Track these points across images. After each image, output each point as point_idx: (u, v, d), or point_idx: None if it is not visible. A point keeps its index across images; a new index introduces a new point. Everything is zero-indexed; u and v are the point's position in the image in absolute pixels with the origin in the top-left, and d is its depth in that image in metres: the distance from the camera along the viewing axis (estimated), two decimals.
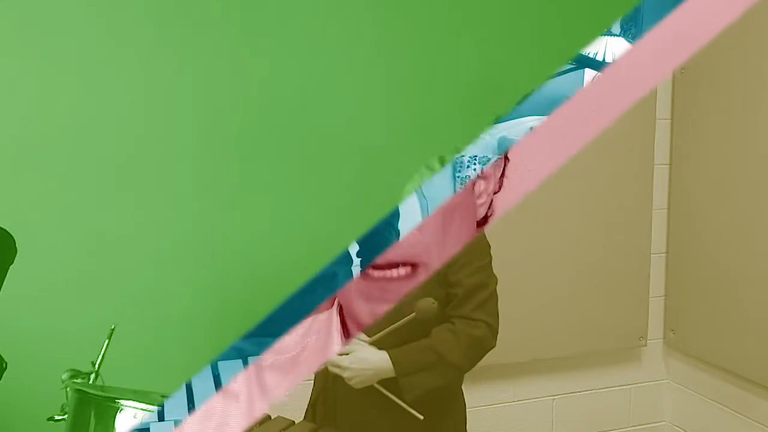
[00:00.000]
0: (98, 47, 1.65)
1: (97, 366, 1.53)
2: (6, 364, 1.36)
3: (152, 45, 1.67)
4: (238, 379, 1.26)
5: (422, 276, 1.18)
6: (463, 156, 3.92)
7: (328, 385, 1.85)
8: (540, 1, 1.77)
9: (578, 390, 3.00)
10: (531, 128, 3.84)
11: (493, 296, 1.77)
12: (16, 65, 1.62)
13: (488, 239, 1.81)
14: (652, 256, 3.04)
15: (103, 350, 1.55)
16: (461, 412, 1.92)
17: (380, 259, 1.21)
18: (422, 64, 1.81)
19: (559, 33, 1.76)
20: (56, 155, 1.67)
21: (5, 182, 1.64)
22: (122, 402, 1.51)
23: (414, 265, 1.20)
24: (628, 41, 4.13)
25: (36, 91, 1.64)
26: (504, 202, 1.24)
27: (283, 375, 1.22)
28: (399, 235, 2.02)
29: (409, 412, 1.70)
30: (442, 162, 1.40)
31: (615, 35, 4.42)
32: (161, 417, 1.57)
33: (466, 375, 1.97)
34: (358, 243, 2.01)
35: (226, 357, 1.83)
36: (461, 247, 1.17)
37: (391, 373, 1.70)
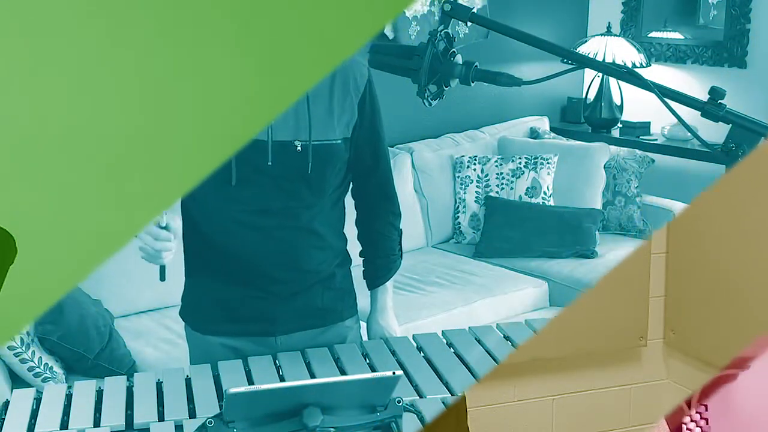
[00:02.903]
0: (95, 45, 1.65)
1: None
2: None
3: (150, 44, 1.67)
4: None
5: None
6: (463, 156, 3.93)
7: None
8: None
9: (578, 390, 3.00)
10: (531, 128, 3.88)
11: None
12: (15, 64, 1.62)
13: None
14: (652, 256, 3.04)
15: None
16: (462, 403, 1.96)
17: None
18: None
19: None
20: (57, 155, 1.67)
21: (5, 182, 1.64)
22: None
23: None
24: (628, 41, 4.17)
25: (35, 89, 1.64)
26: None
27: None
28: (401, 233, 2.04)
29: None
30: None
31: (614, 35, 4.44)
32: (161, 417, 1.58)
33: None
34: (360, 242, 2.02)
35: (226, 357, 1.84)
36: None
37: None
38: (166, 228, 1.66)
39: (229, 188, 1.76)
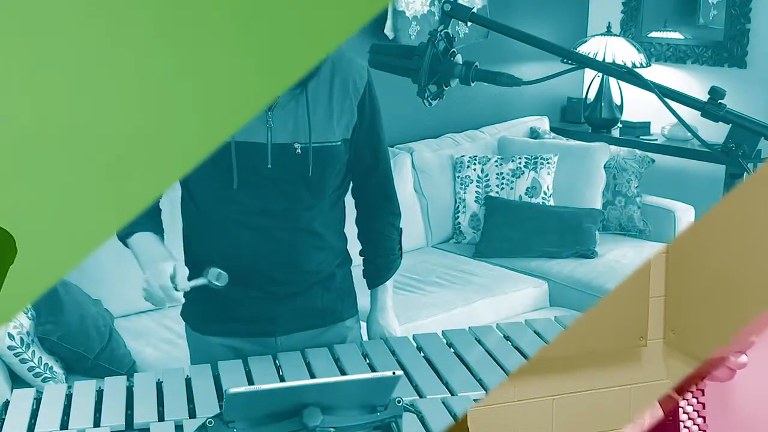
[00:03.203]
0: (95, 45, 1.65)
1: None
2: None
3: (150, 44, 1.67)
4: None
5: None
6: (463, 156, 3.94)
7: None
8: None
9: (578, 390, 3.00)
10: (531, 128, 3.89)
11: None
12: (15, 64, 1.62)
13: None
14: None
15: None
16: None
17: None
18: None
19: None
20: (57, 155, 1.67)
21: (5, 182, 1.64)
22: None
23: None
24: (628, 41, 4.18)
25: (35, 89, 1.64)
26: None
27: None
28: (401, 233, 2.04)
29: None
30: None
31: (615, 35, 4.46)
32: (161, 417, 1.58)
33: None
34: (360, 241, 2.02)
35: (226, 357, 1.84)
36: None
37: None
38: (182, 291, 1.68)
39: (229, 190, 1.76)
